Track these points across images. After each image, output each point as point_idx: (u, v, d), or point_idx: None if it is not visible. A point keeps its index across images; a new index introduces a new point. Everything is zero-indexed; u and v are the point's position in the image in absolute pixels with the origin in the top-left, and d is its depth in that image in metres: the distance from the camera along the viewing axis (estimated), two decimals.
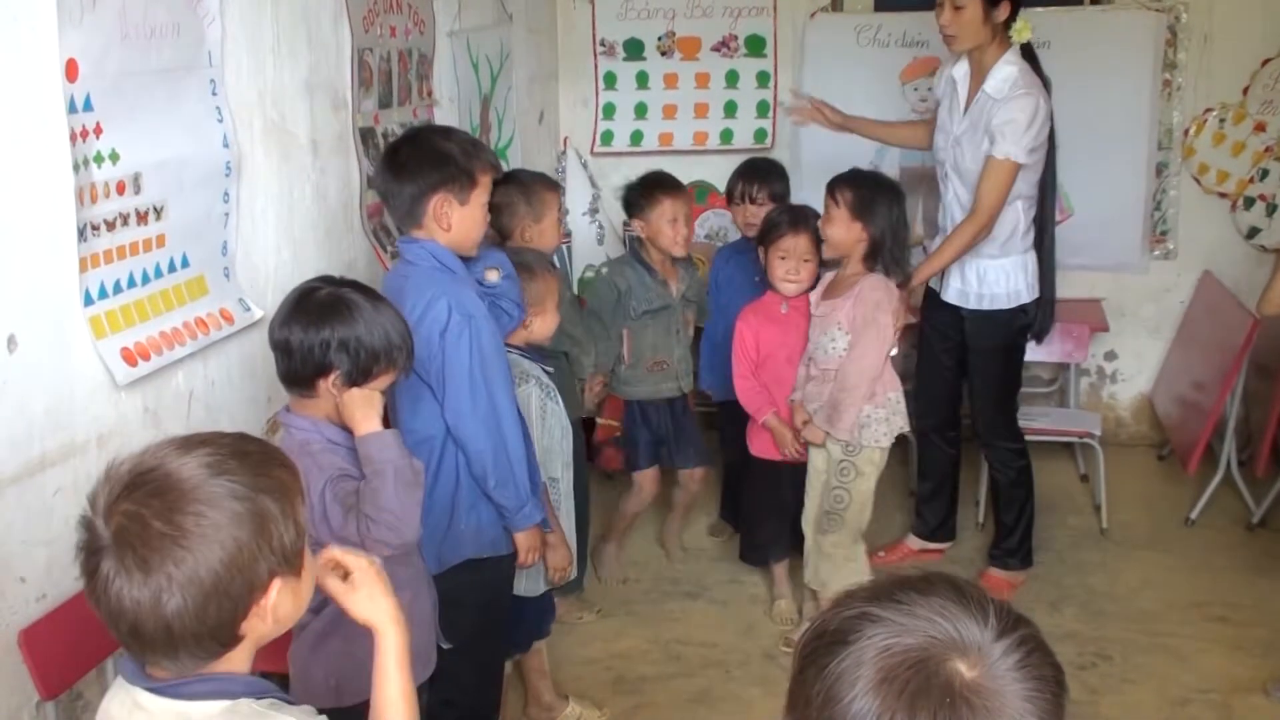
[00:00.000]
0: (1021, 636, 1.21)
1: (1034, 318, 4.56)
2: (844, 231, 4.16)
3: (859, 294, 4.11)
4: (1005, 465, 4.72)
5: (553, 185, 4.31)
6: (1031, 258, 4.50)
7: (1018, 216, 4.42)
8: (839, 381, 4.11)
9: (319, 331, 2.60)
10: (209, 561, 1.54)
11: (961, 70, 4.43)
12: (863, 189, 4.16)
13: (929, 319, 4.78)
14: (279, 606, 1.64)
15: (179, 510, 1.54)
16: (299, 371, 2.63)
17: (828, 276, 4.29)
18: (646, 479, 4.85)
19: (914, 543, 5.01)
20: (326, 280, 2.73)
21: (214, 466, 1.58)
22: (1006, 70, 4.26)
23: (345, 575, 1.83)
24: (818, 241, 4.28)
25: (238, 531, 1.56)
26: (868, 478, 4.17)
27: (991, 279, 4.47)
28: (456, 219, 3.15)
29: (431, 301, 3.03)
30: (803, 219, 4.32)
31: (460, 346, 3.05)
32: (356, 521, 2.56)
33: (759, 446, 4.44)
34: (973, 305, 4.51)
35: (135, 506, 1.54)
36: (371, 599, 1.83)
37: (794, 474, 4.37)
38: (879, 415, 4.12)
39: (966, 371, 4.73)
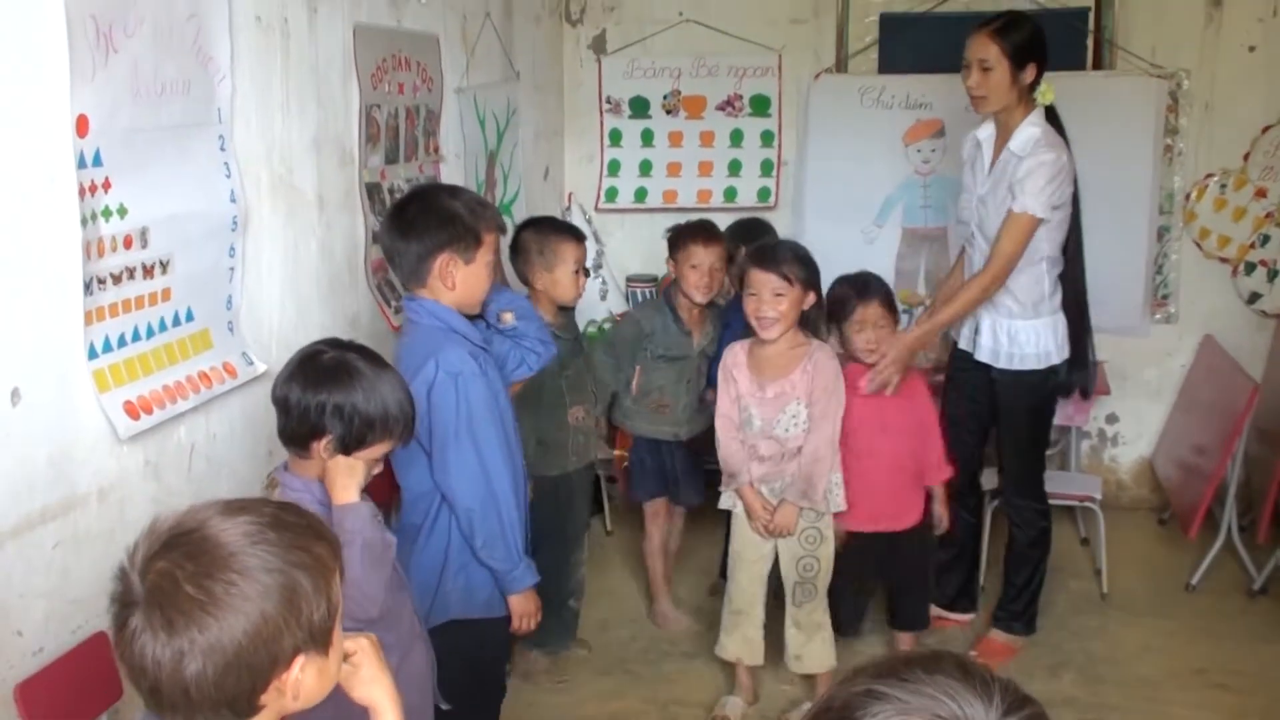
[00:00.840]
0: (1027, 716, 1.21)
1: (1065, 378, 4.56)
2: (798, 307, 4.02)
3: (816, 364, 4.02)
4: (1028, 525, 4.69)
5: (572, 236, 4.31)
6: (1061, 319, 4.49)
7: (1042, 277, 4.42)
8: (809, 454, 4.03)
9: (316, 394, 2.60)
10: (233, 631, 1.53)
11: (986, 132, 4.46)
12: (804, 259, 4.06)
13: (958, 382, 4.75)
14: (303, 683, 1.62)
15: (211, 576, 1.54)
16: (295, 431, 2.63)
17: (740, 353, 4.15)
18: (659, 510, 4.92)
19: (932, 610, 4.90)
20: (334, 344, 2.73)
21: (253, 535, 1.58)
22: (1030, 130, 4.29)
23: (345, 655, 1.82)
24: (889, 305, 4.28)
25: (266, 604, 1.55)
26: (829, 542, 4.14)
27: (1022, 339, 4.47)
28: (461, 278, 3.17)
29: (424, 360, 3.04)
30: (868, 288, 4.30)
31: (445, 405, 3.05)
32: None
33: (856, 521, 4.26)
34: (1003, 364, 4.50)
35: (170, 566, 1.54)
36: (372, 680, 1.81)
37: (879, 549, 4.31)
38: (837, 479, 4.11)
39: (988, 437, 4.73)
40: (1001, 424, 4.65)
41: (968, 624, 4.89)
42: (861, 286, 4.30)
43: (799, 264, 4.00)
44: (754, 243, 4.79)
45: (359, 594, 2.51)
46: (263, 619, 1.55)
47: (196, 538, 1.57)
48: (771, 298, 3.96)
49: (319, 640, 1.63)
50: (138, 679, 1.57)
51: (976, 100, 4.35)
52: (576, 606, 4.57)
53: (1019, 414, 4.59)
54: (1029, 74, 4.29)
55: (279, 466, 2.78)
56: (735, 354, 4.13)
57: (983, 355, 4.53)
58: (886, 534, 4.31)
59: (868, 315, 4.24)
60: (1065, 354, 4.50)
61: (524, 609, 3.28)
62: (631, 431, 4.88)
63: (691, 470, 4.89)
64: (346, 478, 2.61)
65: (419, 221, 3.18)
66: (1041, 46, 4.32)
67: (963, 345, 4.65)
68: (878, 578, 4.45)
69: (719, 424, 4.15)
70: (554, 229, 4.32)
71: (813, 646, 4.18)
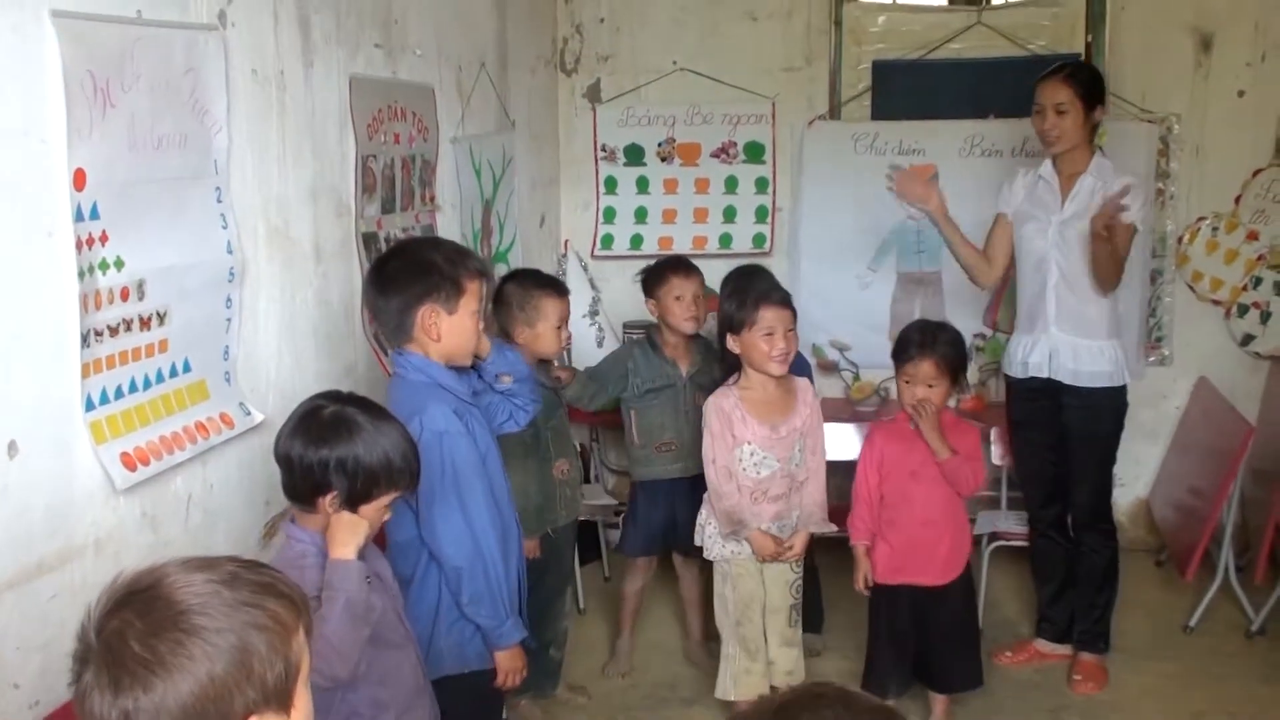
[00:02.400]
0: None
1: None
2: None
3: (803, 395, 4.21)
4: (1102, 548, 4.78)
5: (554, 291, 4.31)
6: (1121, 344, 4.69)
7: (1117, 298, 4.67)
8: (815, 480, 4.20)
9: (318, 450, 2.61)
10: (178, 693, 1.51)
11: (1048, 169, 4.70)
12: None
13: (1025, 414, 4.87)
14: None
15: (158, 635, 1.53)
16: (299, 487, 2.64)
17: (733, 400, 4.18)
18: (640, 565, 4.93)
19: (1043, 645, 4.98)
20: (333, 397, 2.73)
21: (206, 594, 1.57)
22: (1103, 161, 4.65)
23: None
24: (945, 361, 4.21)
25: (214, 665, 1.53)
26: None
27: (1101, 357, 4.63)
28: (446, 329, 3.15)
29: (408, 418, 2.95)
30: (932, 341, 4.23)
31: (430, 464, 2.98)
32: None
33: (882, 571, 4.28)
34: (1086, 384, 4.62)
35: (121, 624, 1.54)
36: None
37: (912, 603, 4.27)
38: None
39: (1062, 461, 4.82)
40: (1075, 450, 4.75)
41: (1069, 655, 4.90)
42: (926, 336, 4.26)
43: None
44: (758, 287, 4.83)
45: (331, 651, 2.50)
46: (210, 680, 1.52)
47: (149, 595, 1.56)
48: (785, 334, 4.07)
49: (276, 700, 1.59)
50: None
51: (1052, 141, 4.59)
52: (558, 655, 4.53)
53: (1097, 435, 4.73)
54: (1098, 114, 4.61)
55: (286, 517, 2.78)
56: (730, 402, 4.14)
57: (1061, 376, 4.65)
58: (922, 588, 4.25)
59: (921, 371, 4.19)
60: (1128, 378, 4.70)
61: (510, 665, 3.26)
62: (642, 478, 4.83)
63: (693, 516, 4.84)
64: (348, 535, 2.61)
65: (398, 276, 3.16)
66: (1103, 91, 4.69)
67: (1031, 373, 4.72)
68: (913, 634, 4.32)
69: (717, 476, 4.14)
70: (536, 284, 4.30)
71: (798, 656, 4.29)
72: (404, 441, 2.70)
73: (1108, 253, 4.39)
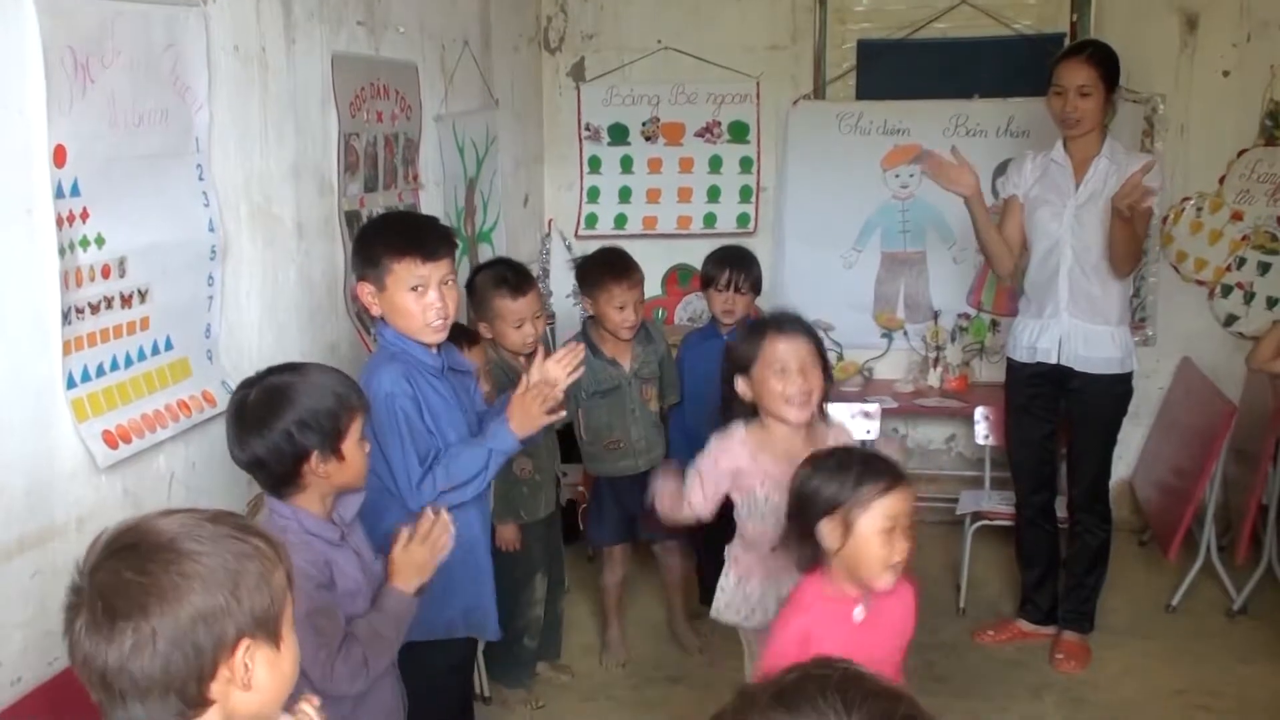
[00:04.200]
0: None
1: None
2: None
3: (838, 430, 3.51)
4: (1096, 529, 4.81)
5: (509, 290, 4.20)
6: (1129, 330, 4.72)
7: (1129, 284, 4.70)
8: None
9: (271, 430, 2.58)
10: (174, 610, 1.55)
11: (1059, 153, 4.65)
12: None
13: (1025, 399, 4.84)
14: (255, 674, 1.63)
15: (151, 559, 1.57)
16: (281, 473, 2.61)
17: (742, 443, 3.39)
18: (615, 554, 4.90)
19: (1025, 625, 5.00)
20: (244, 385, 2.68)
21: (190, 526, 1.62)
22: (1115, 143, 4.62)
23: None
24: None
25: (206, 583, 1.58)
26: None
27: (1111, 343, 4.63)
28: (387, 308, 3.14)
29: (365, 384, 2.95)
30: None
31: (383, 421, 3.05)
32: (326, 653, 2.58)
33: None
34: (1097, 370, 4.63)
35: (114, 562, 1.58)
36: None
37: None
38: None
39: (1055, 447, 4.85)
40: (1080, 433, 4.77)
41: (1052, 635, 4.92)
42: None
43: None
44: (745, 270, 4.78)
45: (379, 647, 2.67)
46: (203, 597, 1.57)
47: (136, 533, 1.61)
48: (800, 373, 3.29)
49: (265, 629, 1.64)
50: (88, 674, 1.59)
51: (1073, 123, 4.54)
52: (532, 645, 4.51)
53: (1100, 421, 4.73)
54: (1115, 96, 4.63)
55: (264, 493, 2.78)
56: (739, 445, 3.39)
57: (1072, 361, 4.65)
58: None
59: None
60: (1135, 365, 4.71)
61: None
62: (596, 474, 4.80)
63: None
64: (413, 574, 2.75)
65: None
66: (1119, 72, 4.62)
67: (1039, 358, 4.71)
68: None
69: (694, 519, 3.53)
70: (495, 283, 4.21)
71: None
72: (331, 371, 2.75)
73: (1128, 234, 4.36)
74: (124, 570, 1.56)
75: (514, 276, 4.28)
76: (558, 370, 3.23)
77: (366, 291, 3.14)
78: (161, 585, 1.55)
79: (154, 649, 1.55)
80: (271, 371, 2.69)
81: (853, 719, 1.18)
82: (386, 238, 3.15)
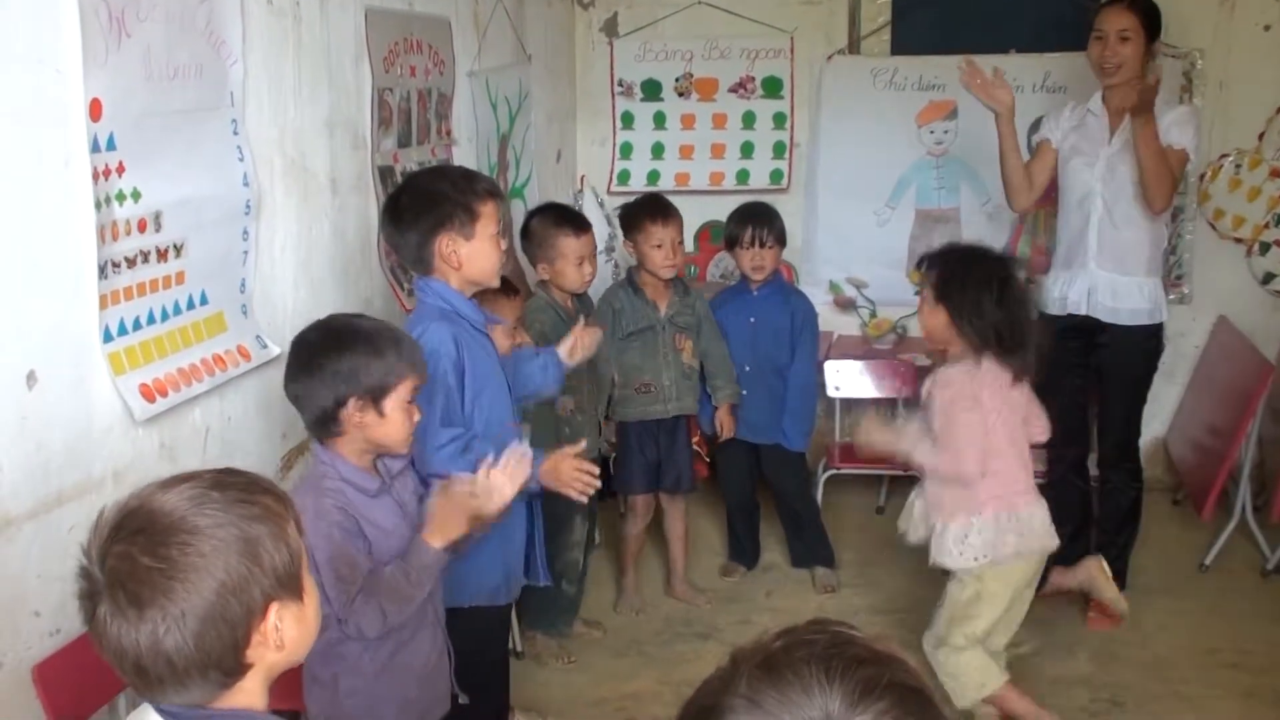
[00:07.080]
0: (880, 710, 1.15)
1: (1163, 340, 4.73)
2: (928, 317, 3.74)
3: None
4: (1127, 487, 4.80)
5: (571, 228, 4.34)
6: (1160, 282, 4.69)
7: (1161, 235, 4.70)
8: None
9: (321, 370, 2.65)
10: (200, 590, 1.54)
11: (1096, 103, 4.65)
12: (949, 265, 3.74)
13: (1056, 353, 4.37)
14: (285, 632, 1.64)
15: (164, 544, 1.55)
16: (320, 415, 2.67)
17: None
18: (639, 503, 4.94)
19: (1057, 575, 4.66)
20: (314, 326, 2.78)
21: (196, 498, 1.59)
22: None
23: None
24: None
25: (227, 557, 1.57)
26: None
27: (1139, 294, 4.62)
28: (466, 255, 3.18)
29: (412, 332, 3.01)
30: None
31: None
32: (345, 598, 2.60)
33: None
34: (1125, 321, 4.61)
35: (124, 546, 1.55)
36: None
37: None
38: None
39: (1086, 401, 4.82)
40: (1109, 388, 4.75)
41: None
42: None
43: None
44: (769, 225, 4.83)
45: (381, 616, 2.65)
46: (226, 572, 1.56)
47: (142, 514, 1.58)
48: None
49: (288, 586, 1.64)
50: (120, 663, 1.58)
51: (1111, 69, 4.52)
52: (570, 590, 4.56)
53: (1129, 374, 4.72)
54: (1155, 49, 4.60)
55: (311, 440, 2.82)
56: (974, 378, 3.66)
57: (1099, 313, 4.63)
58: None
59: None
60: (1166, 315, 4.69)
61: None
62: (625, 419, 4.82)
63: (681, 453, 4.86)
64: (446, 526, 2.71)
65: (410, 209, 3.20)
66: (1160, 25, 4.61)
67: (1070, 309, 4.68)
68: None
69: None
70: (555, 222, 4.35)
71: None
72: (400, 336, 2.77)
73: (1150, 151, 4.34)
74: (139, 556, 1.54)
75: (573, 215, 4.50)
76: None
77: (446, 241, 3.15)
78: (182, 568, 1.54)
79: (187, 632, 1.54)
80: (341, 317, 2.78)
81: (834, 689, 1.15)
82: (474, 184, 3.24)
